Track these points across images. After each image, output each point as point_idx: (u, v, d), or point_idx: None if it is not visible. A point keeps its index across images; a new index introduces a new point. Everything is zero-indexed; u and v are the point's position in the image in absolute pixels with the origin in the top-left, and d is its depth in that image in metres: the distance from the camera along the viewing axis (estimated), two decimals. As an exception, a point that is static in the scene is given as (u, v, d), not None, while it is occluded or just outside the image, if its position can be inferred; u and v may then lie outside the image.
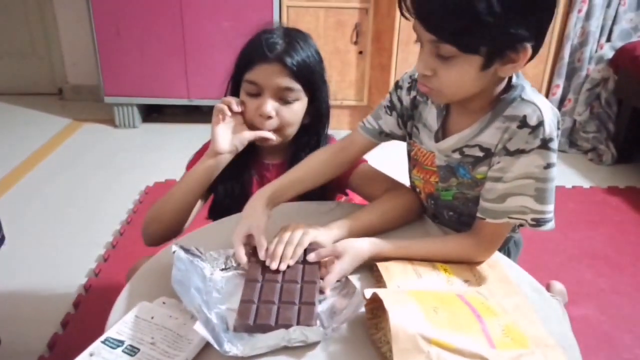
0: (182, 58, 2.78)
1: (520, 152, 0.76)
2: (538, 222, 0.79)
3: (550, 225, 0.79)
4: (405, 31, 2.68)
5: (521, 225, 0.81)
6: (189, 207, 1.00)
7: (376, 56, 2.86)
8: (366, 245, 0.81)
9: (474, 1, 0.64)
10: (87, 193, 2.26)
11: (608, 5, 2.69)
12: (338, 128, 2.98)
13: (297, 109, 1.01)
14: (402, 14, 0.73)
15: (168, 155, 2.62)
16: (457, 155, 0.85)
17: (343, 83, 2.92)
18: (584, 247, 1.94)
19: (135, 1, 2.65)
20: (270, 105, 0.98)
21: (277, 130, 1.01)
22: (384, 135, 0.96)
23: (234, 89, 1.03)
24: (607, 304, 1.66)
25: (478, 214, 0.83)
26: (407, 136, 0.95)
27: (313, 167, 0.95)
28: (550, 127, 0.75)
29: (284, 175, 0.93)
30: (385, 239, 0.83)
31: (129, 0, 2.64)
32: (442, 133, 0.87)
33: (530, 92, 0.78)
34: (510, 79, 0.79)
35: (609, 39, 2.75)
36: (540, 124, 0.74)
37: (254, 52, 0.96)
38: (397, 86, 0.94)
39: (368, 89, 2.94)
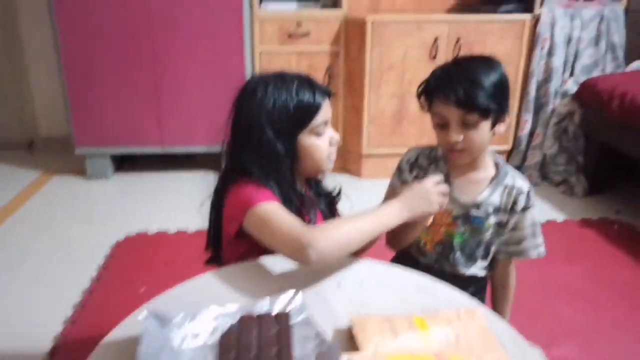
0: (155, 105, 2.77)
1: (524, 209, 1.16)
2: (541, 253, 1.19)
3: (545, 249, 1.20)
4: (375, 75, 2.74)
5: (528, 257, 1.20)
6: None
7: (348, 99, 2.90)
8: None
9: (488, 85, 1.03)
10: (54, 249, 2.19)
11: (568, 43, 2.80)
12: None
13: None
14: (422, 107, 1.12)
15: (141, 207, 2.57)
16: (474, 210, 1.15)
17: (317, 125, 2.92)
18: (562, 284, 1.94)
19: (106, 49, 2.65)
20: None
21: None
22: None
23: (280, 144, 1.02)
24: (587, 343, 1.64)
25: (502, 256, 1.23)
26: None
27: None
28: (533, 190, 1.17)
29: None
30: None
31: (100, 48, 2.65)
32: (452, 191, 1.11)
33: (510, 166, 1.18)
34: (493, 156, 1.17)
35: (572, 74, 2.85)
36: (529, 189, 1.16)
37: (317, 102, 1.04)
38: (400, 171, 1.22)
39: (342, 129, 2.97)
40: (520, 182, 1.16)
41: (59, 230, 2.34)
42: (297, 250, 0.86)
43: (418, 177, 1.18)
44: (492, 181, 1.15)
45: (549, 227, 2.38)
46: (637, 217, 2.47)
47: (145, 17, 2.62)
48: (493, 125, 1.08)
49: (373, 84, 2.76)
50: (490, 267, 1.25)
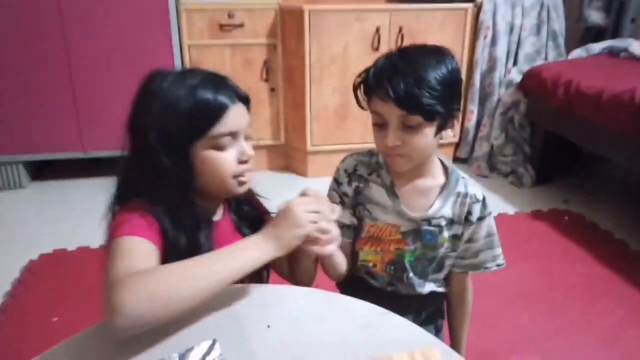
0: (72, 107, 2.48)
1: (480, 219, 1.03)
2: (500, 264, 1.07)
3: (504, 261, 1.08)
4: (316, 68, 2.58)
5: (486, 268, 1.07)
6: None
7: (289, 94, 2.73)
8: None
9: (434, 83, 0.87)
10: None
11: (511, 31, 2.75)
12: (256, 169, 2.78)
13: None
14: (359, 104, 0.95)
15: (60, 219, 2.30)
16: (425, 225, 1.01)
17: (257, 122, 2.75)
18: (517, 286, 1.85)
19: (11, 44, 2.35)
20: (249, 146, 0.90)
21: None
22: (347, 229, 1.03)
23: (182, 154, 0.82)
24: (548, 349, 1.56)
25: (458, 270, 1.09)
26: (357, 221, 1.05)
27: (343, 259, 1.04)
28: (486, 197, 1.04)
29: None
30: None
31: (5, 48, 2.34)
32: (398, 204, 1.00)
33: (461, 172, 1.04)
34: (441, 160, 1.03)
35: (515, 63, 2.80)
36: (484, 197, 1.03)
37: (219, 105, 0.83)
38: (338, 183, 1.05)
39: (285, 127, 2.79)
40: (473, 189, 1.02)
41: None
42: (106, 314, 0.64)
43: (359, 189, 1.03)
44: (443, 190, 1.00)
45: (500, 220, 2.29)
46: (585, 206, 2.45)
47: (58, 12, 2.33)
48: (439, 129, 0.92)
49: (314, 78, 2.60)
50: (446, 280, 1.12)
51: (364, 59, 2.56)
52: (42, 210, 2.42)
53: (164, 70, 0.85)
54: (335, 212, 0.83)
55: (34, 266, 1.92)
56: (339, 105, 2.67)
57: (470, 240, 1.04)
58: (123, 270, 0.69)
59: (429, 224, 1.00)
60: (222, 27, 2.54)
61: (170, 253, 0.78)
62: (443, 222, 1.01)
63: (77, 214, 2.32)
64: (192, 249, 0.78)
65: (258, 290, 0.81)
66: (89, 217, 2.30)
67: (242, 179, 0.87)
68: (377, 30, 2.55)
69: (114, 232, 0.77)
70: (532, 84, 2.56)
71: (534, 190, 2.64)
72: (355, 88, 0.94)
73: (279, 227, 0.77)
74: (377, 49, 2.58)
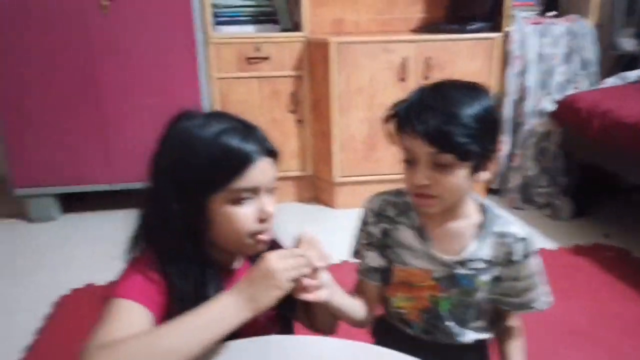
0: (101, 140, 2.52)
1: (524, 257, 0.94)
2: (549, 302, 0.99)
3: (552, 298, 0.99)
4: (343, 98, 2.56)
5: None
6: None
7: (316, 124, 2.71)
8: None
9: (468, 120, 0.81)
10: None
11: (541, 60, 2.70)
12: (284, 201, 2.76)
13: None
14: (388, 138, 0.90)
15: (91, 250, 2.30)
16: (460, 269, 0.94)
17: (284, 153, 2.67)
18: (562, 322, 1.74)
19: (44, 81, 2.41)
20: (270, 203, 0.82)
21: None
22: (374, 272, 0.99)
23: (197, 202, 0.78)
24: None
25: (507, 308, 1.00)
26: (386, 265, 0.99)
27: (356, 303, 0.98)
28: (530, 235, 0.96)
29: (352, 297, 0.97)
30: None
31: (37, 80, 2.40)
32: (428, 247, 0.94)
33: (497, 209, 0.97)
34: (476, 200, 0.96)
35: (546, 92, 2.73)
36: (526, 236, 0.95)
37: (243, 158, 0.78)
38: (364, 223, 1.00)
39: (312, 157, 2.77)
40: (513, 227, 0.94)
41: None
42: None
43: (387, 231, 0.97)
44: (479, 230, 0.93)
45: (540, 256, 2.20)
46: (628, 240, 2.32)
47: (86, 44, 2.40)
48: (474, 170, 0.86)
49: (341, 108, 2.59)
50: (492, 323, 1.04)
51: (391, 90, 2.54)
52: (73, 243, 2.42)
53: (193, 110, 0.82)
54: (325, 259, 0.79)
55: (65, 301, 1.91)
56: (366, 136, 2.64)
57: (516, 279, 0.96)
58: (99, 339, 0.66)
59: (465, 268, 0.93)
60: (249, 60, 2.56)
61: (178, 305, 0.74)
62: (481, 265, 0.93)
63: (107, 247, 2.29)
64: (200, 302, 0.73)
65: (293, 344, 0.76)
66: (117, 250, 2.30)
67: (260, 237, 0.81)
68: (404, 61, 2.54)
69: (114, 290, 0.74)
70: (566, 114, 2.48)
71: (571, 223, 2.52)
72: (385, 121, 0.90)
73: (255, 288, 0.71)
74: (403, 79, 2.55)
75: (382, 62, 2.54)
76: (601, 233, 2.39)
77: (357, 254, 1.03)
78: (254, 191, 0.78)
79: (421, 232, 0.94)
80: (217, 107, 2.57)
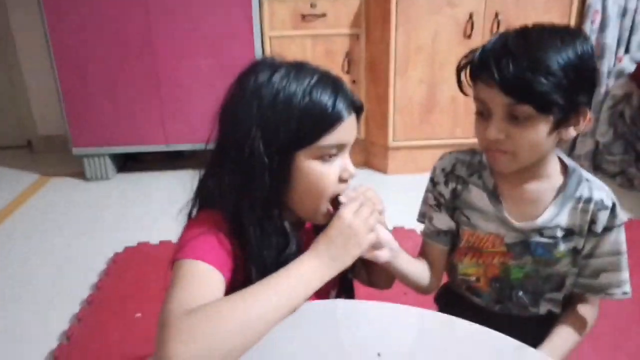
0: (157, 101, 2.50)
1: (606, 230, 0.83)
2: (626, 292, 0.86)
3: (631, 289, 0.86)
4: (402, 58, 2.42)
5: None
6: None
7: (371, 86, 2.59)
8: None
9: (554, 67, 0.71)
10: (46, 260, 1.95)
11: (623, 15, 2.44)
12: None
13: None
14: (461, 89, 0.82)
15: (145, 210, 2.32)
16: (536, 237, 0.85)
17: (337, 116, 2.63)
18: (628, 302, 1.60)
19: (100, 43, 2.40)
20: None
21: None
22: (444, 235, 0.93)
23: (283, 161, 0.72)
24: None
25: (576, 290, 0.89)
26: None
27: (421, 267, 0.93)
28: (618, 204, 0.84)
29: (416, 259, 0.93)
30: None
31: (93, 43, 2.40)
32: (501, 211, 0.86)
33: (586, 173, 0.85)
34: (560, 159, 0.86)
35: (627, 51, 2.49)
36: (614, 204, 0.83)
37: (335, 114, 0.73)
38: (434, 183, 0.93)
39: (365, 121, 2.67)
40: (599, 193, 0.83)
41: (52, 240, 2.10)
42: (157, 349, 0.56)
43: (457, 192, 0.89)
44: (558, 194, 0.83)
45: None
46: None
47: (141, 5, 2.35)
48: (557, 126, 0.75)
49: (399, 69, 2.45)
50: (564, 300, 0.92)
51: (455, 49, 2.38)
52: (127, 202, 2.46)
53: (274, 60, 0.75)
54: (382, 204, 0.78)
55: (119, 259, 1.93)
56: (425, 98, 2.50)
57: (590, 255, 0.85)
58: (182, 304, 0.60)
59: (541, 235, 0.84)
60: (304, 17, 2.45)
61: (257, 269, 0.69)
62: (559, 233, 0.83)
63: (159, 207, 2.33)
64: (280, 266, 0.68)
65: (361, 310, 0.70)
66: (171, 210, 2.31)
67: (340, 198, 0.74)
68: (470, 16, 2.35)
69: (180, 250, 0.68)
70: (650, 74, 2.25)
71: (647, 194, 2.33)
72: (459, 69, 0.81)
73: (336, 247, 0.69)
74: (469, 36, 2.38)
75: (446, 17, 2.37)
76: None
77: (423, 216, 0.97)
78: (340, 148, 0.74)
79: (494, 194, 0.86)
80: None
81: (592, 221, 0.83)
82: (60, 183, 2.67)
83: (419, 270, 0.90)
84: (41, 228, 2.21)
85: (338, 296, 0.86)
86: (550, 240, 0.84)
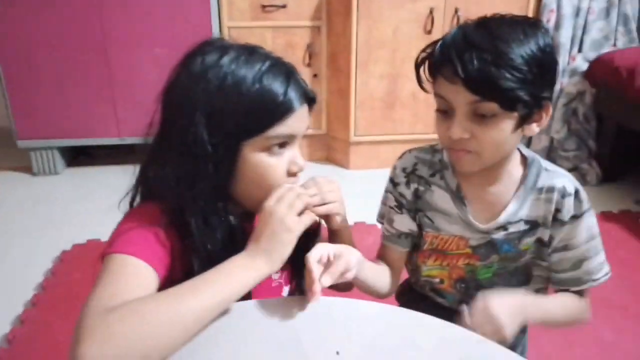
0: (109, 92, 2.39)
1: (575, 217, 0.80)
2: (607, 273, 0.84)
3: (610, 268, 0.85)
4: (363, 52, 2.40)
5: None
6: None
7: (333, 80, 2.57)
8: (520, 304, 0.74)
9: (518, 61, 0.68)
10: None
11: (577, 15, 2.51)
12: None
13: None
14: (420, 85, 0.78)
15: (95, 206, 2.21)
16: (500, 234, 0.83)
17: (298, 111, 2.60)
18: (596, 296, 1.65)
19: (48, 31, 2.26)
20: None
21: None
22: (404, 237, 0.89)
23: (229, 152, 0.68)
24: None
25: (558, 287, 0.85)
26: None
27: (382, 274, 0.88)
28: (582, 189, 0.81)
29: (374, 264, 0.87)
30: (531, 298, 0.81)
31: (40, 29, 2.26)
32: (465, 213, 0.84)
33: (546, 162, 0.83)
34: (519, 150, 0.83)
35: (580, 50, 2.56)
36: (577, 190, 0.80)
37: (285, 103, 0.69)
38: (394, 183, 0.89)
39: (326, 115, 2.64)
40: (561, 180, 0.80)
41: (-6, 239, 1.97)
42: (70, 349, 0.52)
43: (419, 193, 0.86)
44: (520, 187, 0.81)
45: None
46: (659, 208, 2.21)
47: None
48: (521, 122, 0.73)
49: (360, 63, 2.43)
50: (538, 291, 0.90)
51: (416, 43, 2.38)
52: (77, 198, 2.34)
53: (224, 41, 0.70)
54: (333, 193, 0.75)
55: (67, 257, 1.83)
56: (386, 93, 2.50)
57: (566, 247, 0.82)
58: (103, 302, 0.55)
59: (505, 232, 0.82)
60: (264, 7, 2.39)
61: (198, 264, 0.65)
62: (523, 227, 0.81)
63: (111, 203, 2.22)
64: (224, 259, 0.64)
65: (319, 306, 0.66)
66: (123, 206, 2.22)
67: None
68: (431, 11, 2.36)
69: (111, 244, 0.63)
70: (602, 73, 2.32)
71: (599, 189, 2.41)
72: (418, 64, 0.76)
73: (264, 239, 0.65)
74: (430, 32, 2.38)
75: (407, 11, 2.36)
76: (631, 200, 2.28)
77: (382, 217, 0.92)
78: (290, 140, 0.70)
79: (458, 195, 0.83)
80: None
81: (557, 210, 0.80)
82: (4, 178, 2.51)
83: (381, 277, 0.86)
84: (-18, 226, 2.07)
85: (292, 294, 0.83)
86: (514, 236, 0.82)
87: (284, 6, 2.40)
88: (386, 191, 0.90)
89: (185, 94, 0.67)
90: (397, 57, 2.43)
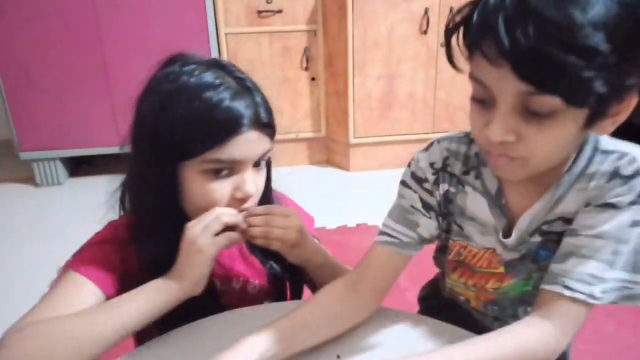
0: (107, 101, 2.41)
1: (606, 205, 0.57)
2: (594, 297, 0.55)
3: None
4: (359, 53, 2.42)
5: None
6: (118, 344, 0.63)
7: (330, 82, 2.58)
8: None
9: (596, 41, 0.46)
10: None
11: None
12: (295, 164, 2.67)
13: (264, 171, 0.73)
14: (451, 62, 0.55)
15: (99, 216, 2.22)
16: (536, 238, 0.64)
17: (296, 114, 2.62)
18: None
19: (46, 42, 2.30)
20: (252, 182, 0.68)
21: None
22: (425, 243, 0.70)
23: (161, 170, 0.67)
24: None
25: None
26: (441, 234, 0.72)
27: (325, 306, 0.66)
28: None
29: (280, 318, 0.62)
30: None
31: (38, 41, 2.29)
32: (503, 225, 0.65)
33: (609, 140, 0.60)
34: None
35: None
36: (637, 173, 0.56)
37: (221, 126, 0.64)
38: (420, 180, 0.68)
39: (325, 118, 2.65)
40: (622, 161, 0.57)
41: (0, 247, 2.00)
42: None
43: (448, 195, 0.68)
44: (565, 175, 0.60)
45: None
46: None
47: (90, 1, 2.26)
48: (591, 120, 0.52)
49: (357, 64, 2.45)
50: None
51: (412, 44, 2.39)
52: (80, 208, 2.36)
53: (189, 55, 0.69)
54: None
55: (70, 266, 1.85)
56: (383, 94, 2.51)
57: (573, 232, 0.59)
58: (34, 316, 0.60)
59: (542, 234, 0.63)
60: (260, 13, 2.41)
61: (150, 279, 0.66)
62: (562, 227, 0.61)
63: (114, 213, 2.25)
64: None
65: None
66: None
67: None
68: (426, 11, 2.37)
69: (73, 257, 0.67)
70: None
71: None
72: (449, 34, 0.54)
73: (180, 261, 0.64)
74: (425, 32, 2.39)
75: (401, 12, 2.38)
76: None
77: (396, 219, 0.69)
78: (234, 166, 0.66)
79: (497, 202, 0.64)
80: (226, 65, 2.44)
81: (595, 195, 0.58)
82: (8, 189, 2.54)
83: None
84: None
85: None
86: (554, 238, 0.62)
87: (279, 11, 2.42)
88: (405, 187, 0.69)
89: (141, 104, 0.67)
90: (393, 58, 2.44)
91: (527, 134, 0.52)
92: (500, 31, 0.47)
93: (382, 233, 0.69)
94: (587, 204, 0.59)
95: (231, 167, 0.65)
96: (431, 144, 0.69)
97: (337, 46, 2.46)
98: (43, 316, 0.59)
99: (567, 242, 0.59)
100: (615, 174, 0.57)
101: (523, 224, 0.63)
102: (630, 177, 0.56)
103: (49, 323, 0.58)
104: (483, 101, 0.54)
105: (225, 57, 2.44)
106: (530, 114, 0.51)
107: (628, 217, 0.56)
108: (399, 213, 0.69)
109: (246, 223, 0.66)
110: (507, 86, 0.50)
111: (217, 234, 0.63)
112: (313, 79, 2.57)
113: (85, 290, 0.63)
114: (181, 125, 0.63)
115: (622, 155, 0.58)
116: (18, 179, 2.61)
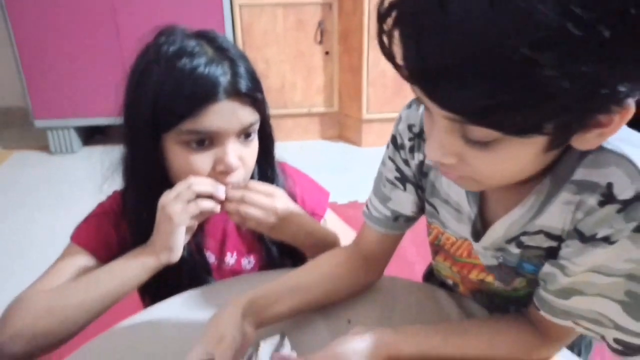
0: (121, 71, 2.40)
1: (602, 240, 0.44)
2: (626, 348, 0.47)
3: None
4: (375, 28, 2.38)
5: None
6: (102, 313, 0.66)
7: (345, 57, 2.56)
8: (375, 347, 0.53)
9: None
10: (8, 238, 1.89)
11: None
12: (307, 139, 2.67)
13: (255, 144, 0.70)
14: (391, 60, 0.40)
15: (113, 185, 2.25)
16: (514, 249, 0.54)
17: (310, 89, 2.60)
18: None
19: (61, 12, 2.29)
20: (234, 153, 0.65)
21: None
22: (404, 221, 0.64)
23: (143, 142, 0.67)
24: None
25: (535, 300, 0.53)
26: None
27: (324, 270, 0.64)
28: None
29: (277, 280, 0.62)
30: (402, 333, 0.55)
31: (54, 11, 2.28)
32: (480, 220, 0.56)
33: (617, 142, 0.44)
34: None
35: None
36: (636, 195, 0.42)
37: (194, 94, 0.62)
38: (397, 146, 0.59)
39: (338, 93, 2.64)
40: (619, 172, 0.43)
41: (14, 217, 2.03)
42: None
43: (424, 167, 0.59)
44: (547, 178, 0.48)
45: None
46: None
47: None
48: (560, 139, 0.40)
49: (372, 39, 2.41)
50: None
51: (429, 19, 2.35)
52: (93, 176, 2.38)
53: (177, 27, 0.68)
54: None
55: (84, 233, 1.89)
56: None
57: (560, 266, 0.49)
58: (33, 289, 0.64)
59: (521, 247, 0.53)
60: (275, -16, 2.38)
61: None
62: (547, 242, 0.51)
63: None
64: None
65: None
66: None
67: (215, 193, 0.65)
68: (444, -14, 2.32)
69: (78, 227, 0.70)
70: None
71: None
72: (382, 16, 0.41)
73: (154, 231, 0.65)
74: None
75: (419, -13, 2.33)
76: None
77: (377, 197, 0.64)
78: (214, 137, 0.64)
79: (475, 194, 0.55)
80: (239, 39, 2.42)
81: (582, 219, 0.46)
82: (23, 157, 2.57)
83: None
84: (3, 204, 2.13)
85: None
86: (538, 253, 0.52)
87: (295, -17, 2.39)
88: (386, 151, 0.62)
89: (131, 74, 0.68)
90: (409, 34, 2.40)
91: (469, 157, 0.42)
92: (408, 44, 0.37)
93: (366, 205, 0.66)
94: (575, 230, 0.47)
95: (211, 138, 0.64)
96: (410, 104, 0.59)
97: (352, 21, 2.43)
98: (42, 288, 0.63)
99: (560, 280, 0.49)
100: (609, 196, 0.43)
101: (497, 232, 0.53)
102: (629, 201, 0.42)
103: (38, 294, 0.62)
104: (428, 109, 0.43)
105: (239, 30, 2.42)
106: (470, 140, 0.41)
107: (634, 248, 0.43)
108: (375, 183, 0.65)
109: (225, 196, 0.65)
110: (435, 109, 0.39)
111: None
112: (327, 53, 2.55)
113: (83, 261, 0.67)
114: (155, 95, 0.62)
115: (621, 162, 0.43)
116: (33, 146, 2.64)
